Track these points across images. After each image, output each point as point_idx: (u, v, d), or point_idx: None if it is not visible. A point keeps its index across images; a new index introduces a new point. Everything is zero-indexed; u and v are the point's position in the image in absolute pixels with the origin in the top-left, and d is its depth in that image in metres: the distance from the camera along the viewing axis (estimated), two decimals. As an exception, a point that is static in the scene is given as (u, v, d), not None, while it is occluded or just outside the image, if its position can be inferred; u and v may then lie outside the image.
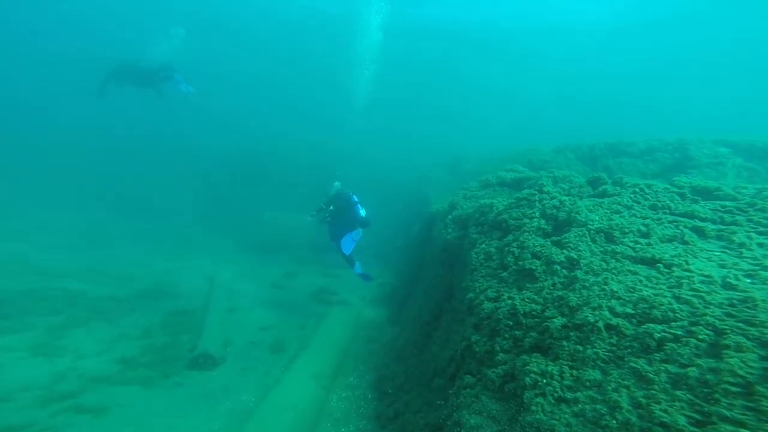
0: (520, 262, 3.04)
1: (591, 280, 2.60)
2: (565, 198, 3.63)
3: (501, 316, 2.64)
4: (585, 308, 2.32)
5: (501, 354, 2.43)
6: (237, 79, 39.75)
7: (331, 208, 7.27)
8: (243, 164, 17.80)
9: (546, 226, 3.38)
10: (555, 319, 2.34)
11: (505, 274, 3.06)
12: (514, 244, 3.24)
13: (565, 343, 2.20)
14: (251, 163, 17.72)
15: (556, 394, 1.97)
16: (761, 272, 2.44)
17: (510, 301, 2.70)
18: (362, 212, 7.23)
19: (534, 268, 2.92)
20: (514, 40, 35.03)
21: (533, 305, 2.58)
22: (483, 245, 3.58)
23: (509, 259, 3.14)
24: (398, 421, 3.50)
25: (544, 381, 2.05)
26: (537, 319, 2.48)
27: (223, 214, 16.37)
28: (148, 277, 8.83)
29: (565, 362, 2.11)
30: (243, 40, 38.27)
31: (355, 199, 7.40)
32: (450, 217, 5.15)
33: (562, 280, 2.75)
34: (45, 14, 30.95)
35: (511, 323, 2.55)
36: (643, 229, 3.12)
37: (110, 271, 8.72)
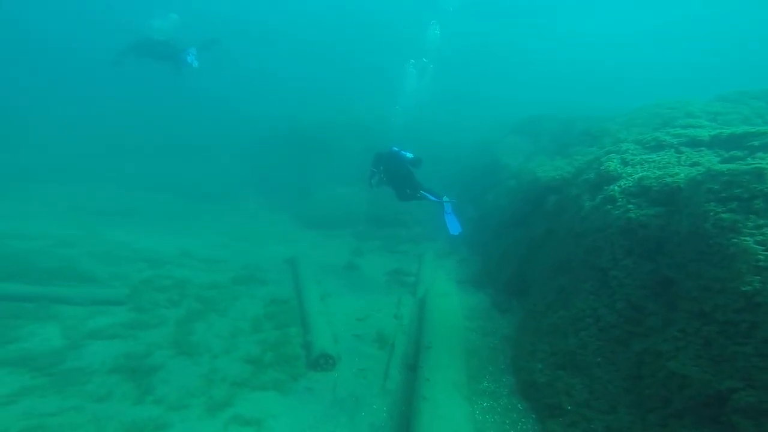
0: None
1: None
2: None
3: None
4: None
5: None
6: (299, 49, 38.21)
7: (381, 168, 7.23)
8: (297, 136, 17.40)
9: None
10: None
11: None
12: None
13: None
14: (304, 136, 17.28)
15: None
16: None
17: None
18: (409, 155, 7.12)
19: None
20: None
21: None
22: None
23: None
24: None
25: None
26: None
27: (281, 188, 16.39)
28: (231, 260, 9.04)
29: None
30: (307, 9, 36.12)
31: (396, 149, 7.27)
32: (619, 188, 4.22)
33: None
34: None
35: None
36: None
37: (197, 255, 8.98)
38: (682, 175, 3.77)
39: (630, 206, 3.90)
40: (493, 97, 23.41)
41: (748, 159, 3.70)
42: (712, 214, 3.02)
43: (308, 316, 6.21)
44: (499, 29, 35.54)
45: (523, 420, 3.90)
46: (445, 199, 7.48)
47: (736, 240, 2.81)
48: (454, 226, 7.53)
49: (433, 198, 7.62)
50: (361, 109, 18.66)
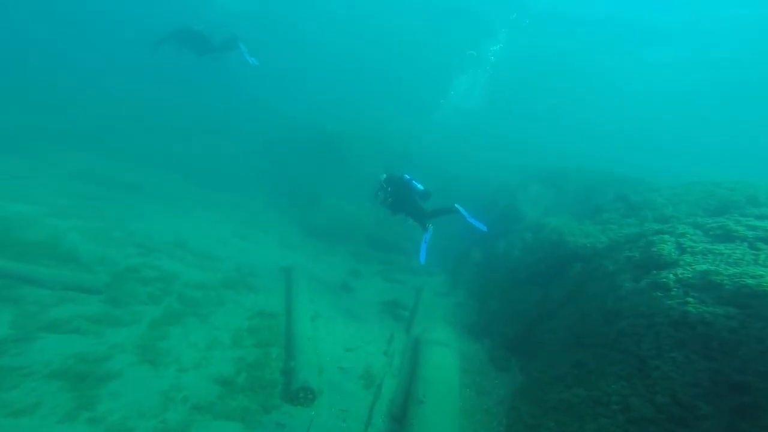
0: None
1: None
2: None
3: None
4: None
5: None
6: (335, 59, 38.89)
7: (389, 189, 7.05)
8: (318, 144, 17.21)
9: None
10: None
11: None
12: None
13: None
14: (323, 143, 17.08)
15: None
16: None
17: None
18: (420, 186, 6.99)
19: None
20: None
21: None
22: None
23: None
24: None
25: None
26: None
27: (289, 191, 16.07)
28: (226, 259, 8.57)
29: None
30: (341, 18, 36.91)
31: (408, 177, 7.16)
32: (674, 276, 3.73)
33: None
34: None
35: None
36: None
37: (192, 247, 8.52)
38: (768, 279, 3.31)
39: (690, 299, 3.48)
40: (519, 138, 23.11)
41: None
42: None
43: (295, 338, 5.66)
44: (539, 72, 35.50)
45: None
46: (456, 205, 7.25)
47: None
48: (423, 256, 7.26)
49: (446, 214, 7.32)
50: (389, 129, 18.51)
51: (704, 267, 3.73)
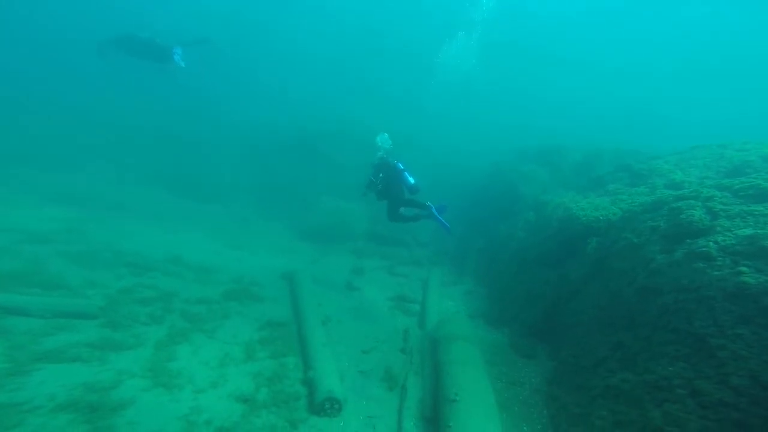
0: None
1: None
2: None
3: None
4: None
5: None
6: (312, 59, 38.01)
7: (381, 175, 6.91)
8: (303, 145, 16.75)
9: None
10: None
11: None
12: None
13: None
14: (311, 145, 16.64)
15: None
16: None
17: None
18: (411, 179, 6.89)
19: None
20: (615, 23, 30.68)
21: None
22: None
23: None
24: None
25: None
26: None
27: (278, 195, 15.61)
28: (224, 271, 8.17)
29: None
30: (323, 18, 36.08)
31: (401, 166, 7.05)
32: (715, 244, 3.54)
33: None
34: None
35: None
36: None
37: (187, 261, 8.08)
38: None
39: (743, 269, 3.25)
40: (503, 124, 23.18)
41: None
42: None
43: (309, 346, 5.38)
44: (515, 56, 35.68)
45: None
46: (428, 203, 7.17)
47: None
48: (445, 227, 7.14)
49: (417, 208, 7.28)
50: (374, 126, 18.27)
51: (749, 231, 3.54)
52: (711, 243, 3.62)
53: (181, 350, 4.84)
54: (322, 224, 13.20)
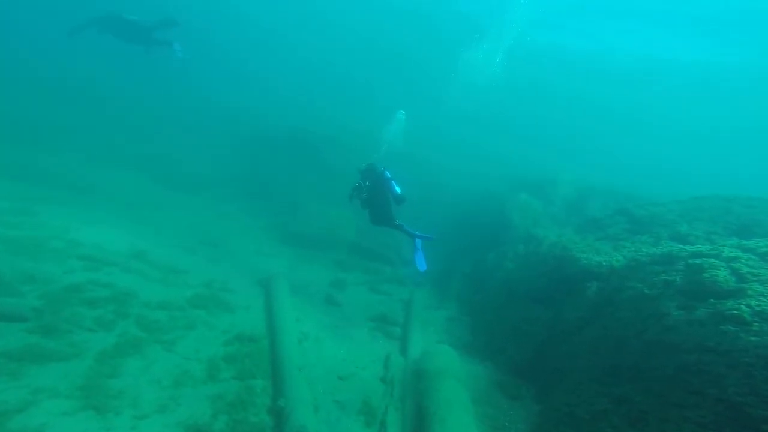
0: None
1: None
2: None
3: None
4: None
5: None
6: (311, 59, 37.60)
7: (368, 183, 6.72)
8: (295, 144, 16.14)
9: None
10: None
11: None
12: None
13: None
14: (302, 146, 16.07)
15: None
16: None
17: None
18: (397, 189, 6.67)
19: None
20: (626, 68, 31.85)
21: None
22: None
23: None
24: None
25: None
26: None
27: (265, 192, 14.87)
28: (195, 272, 7.41)
29: None
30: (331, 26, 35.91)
31: (389, 174, 6.83)
32: (749, 308, 3.33)
33: None
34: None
35: None
36: None
37: (154, 258, 7.28)
38: None
39: None
40: (494, 151, 23.34)
41: None
42: None
43: (283, 368, 4.75)
44: (516, 96, 36.66)
45: None
46: (417, 233, 7.04)
47: None
48: (421, 264, 7.05)
49: (408, 230, 7.11)
50: (367, 132, 17.94)
51: None
52: (743, 306, 3.34)
53: (129, 364, 4.12)
54: (307, 229, 12.57)
